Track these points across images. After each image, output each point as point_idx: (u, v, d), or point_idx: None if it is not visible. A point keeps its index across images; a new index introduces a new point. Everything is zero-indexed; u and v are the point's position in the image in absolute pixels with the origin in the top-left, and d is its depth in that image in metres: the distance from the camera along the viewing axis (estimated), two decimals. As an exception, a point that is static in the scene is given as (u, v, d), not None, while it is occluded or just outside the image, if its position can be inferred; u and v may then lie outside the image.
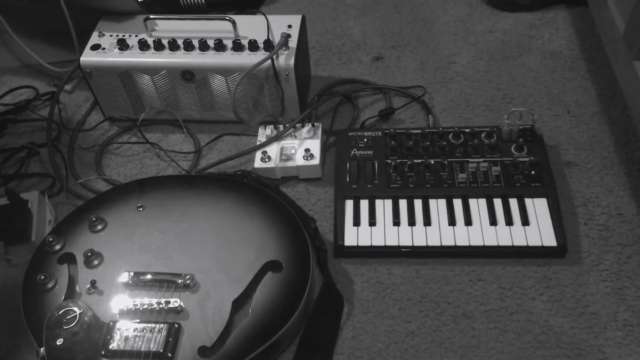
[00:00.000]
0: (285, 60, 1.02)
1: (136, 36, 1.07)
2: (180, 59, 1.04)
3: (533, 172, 0.95)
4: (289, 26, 1.06)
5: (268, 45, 1.03)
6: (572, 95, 1.13)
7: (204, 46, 1.04)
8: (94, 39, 1.08)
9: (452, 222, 0.92)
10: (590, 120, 1.08)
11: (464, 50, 1.24)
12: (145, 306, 0.81)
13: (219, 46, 1.03)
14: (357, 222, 0.94)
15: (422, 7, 1.35)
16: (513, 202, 0.93)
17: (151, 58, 1.04)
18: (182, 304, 0.81)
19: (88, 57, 1.05)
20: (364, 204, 0.95)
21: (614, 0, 1.01)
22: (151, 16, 1.06)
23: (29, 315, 0.81)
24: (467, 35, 1.27)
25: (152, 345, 0.77)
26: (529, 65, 1.19)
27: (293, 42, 1.04)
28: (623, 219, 0.94)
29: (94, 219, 0.90)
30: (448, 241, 0.91)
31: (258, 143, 1.05)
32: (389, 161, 0.99)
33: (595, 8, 1.10)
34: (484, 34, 1.27)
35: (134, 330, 0.79)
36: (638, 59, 0.90)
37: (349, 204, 0.96)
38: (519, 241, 0.90)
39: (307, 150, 1.01)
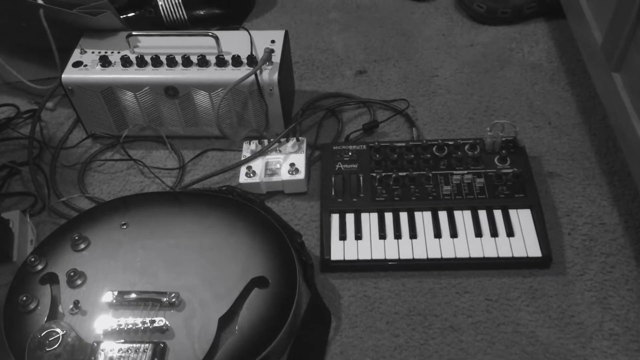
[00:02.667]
0: (269, 75, 1.02)
1: (118, 53, 1.06)
2: (164, 75, 1.03)
3: (516, 184, 0.96)
4: (272, 41, 1.06)
5: (251, 60, 1.03)
6: (553, 107, 1.14)
7: (187, 62, 1.03)
8: (76, 56, 1.07)
9: (437, 234, 0.92)
10: (572, 131, 1.10)
11: (446, 64, 1.25)
12: (130, 326, 0.80)
13: (203, 62, 1.03)
14: (343, 236, 0.93)
15: (404, 21, 1.36)
16: (497, 214, 0.94)
17: (134, 74, 1.04)
18: (167, 322, 0.80)
19: (70, 75, 1.04)
20: (350, 218, 0.95)
21: (591, 13, 1.03)
22: (133, 33, 1.05)
23: (11, 337, 0.80)
24: (448, 48, 1.28)
25: (137, 366, 0.76)
26: (510, 77, 1.21)
27: (276, 57, 1.04)
28: (606, 228, 0.95)
29: (76, 237, 0.89)
30: (434, 254, 0.91)
31: (243, 158, 1.04)
32: (374, 174, 0.99)
33: (573, 21, 1.12)
34: (465, 47, 1.28)
35: (119, 351, 0.77)
36: (616, 70, 0.92)
37: (335, 218, 0.96)
38: (504, 252, 0.90)
39: (292, 164, 1.01)
